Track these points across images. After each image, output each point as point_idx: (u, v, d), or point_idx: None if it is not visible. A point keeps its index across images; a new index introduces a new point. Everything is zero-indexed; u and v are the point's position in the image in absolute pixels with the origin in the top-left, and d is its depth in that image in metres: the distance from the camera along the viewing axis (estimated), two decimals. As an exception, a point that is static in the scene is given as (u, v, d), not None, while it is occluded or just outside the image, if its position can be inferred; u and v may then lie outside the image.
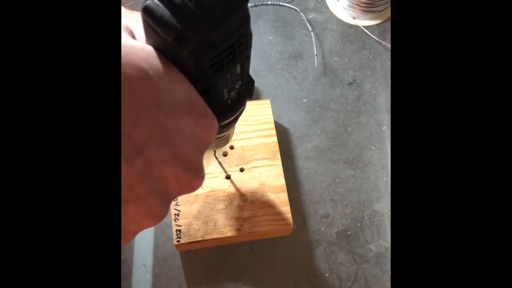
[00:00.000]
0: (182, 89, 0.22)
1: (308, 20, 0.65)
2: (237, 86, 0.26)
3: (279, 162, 0.50)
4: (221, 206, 0.48)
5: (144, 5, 0.21)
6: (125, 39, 0.21)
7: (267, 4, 0.67)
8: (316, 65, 0.62)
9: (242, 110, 0.30)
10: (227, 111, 0.28)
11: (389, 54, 0.63)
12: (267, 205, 0.48)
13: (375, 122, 0.58)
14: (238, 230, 0.47)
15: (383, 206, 0.53)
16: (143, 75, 0.20)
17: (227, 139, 0.37)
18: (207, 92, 0.24)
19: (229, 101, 0.27)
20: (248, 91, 0.29)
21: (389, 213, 0.53)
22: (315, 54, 0.62)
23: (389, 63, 0.62)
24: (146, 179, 0.21)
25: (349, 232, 0.52)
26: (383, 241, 0.51)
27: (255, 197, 0.48)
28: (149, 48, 0.22)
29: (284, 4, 0.67)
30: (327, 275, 0.49)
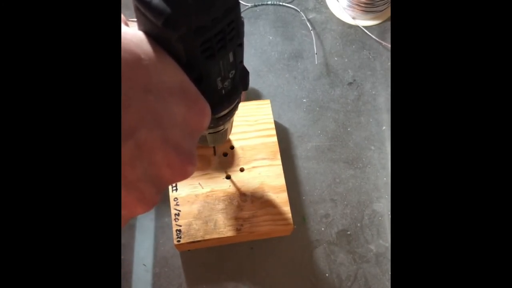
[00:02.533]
0: (173, 75, 0.22)
1: (308, 20, 0.65)
2: (230, 75, 0.26)
3: (279, 162, 0.50)
4: (221, 206, 0.48)
5: None
6: None
7: (267, 4, 0.67)
8: (316, 64, 0.62)
9: (238, 102, 0.30)
10: (221, 101, 0.27)
11: (389, 54, 0.63)
12: (267, 205, 0.48)
13: (375, 122, 0.58)
14: (238, 230, 0.47)
15: (383, 206, 0.53)
16: (134, 59, 0.20)
17: (225, 135, 0.37)
18: (200, 80, 0.24)
19: (223, 91, 0.27)
20: (242, 82, 0.28)
21: (389, 213, 0.53)
22: (315, 52, 0.62)
23: (389, 63, 0.63)
24: (137, 163, 0.20)
25: (349, 232, 0.52)
26: (383, 241, 0.51)
27: (255, 197, 0.48)
28: (140, 34, 0.22)
29: (284, 4, 0.67)
30: (327, 275, 0.49)
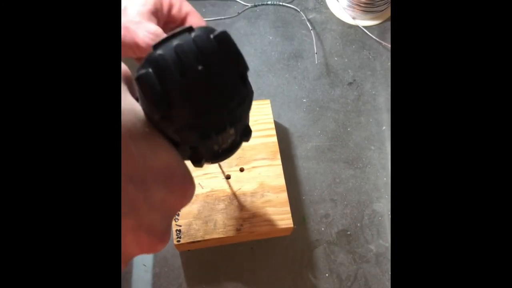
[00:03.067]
0: (161, 156, 0.21)
1: (308, 20, 0.65)
2: (229, 141, 0.26)
3: (279, 162, 0.50)
4: (221, 206, 0.48)
5: (137, 74, 0.20)
6: None
7: (267, 4, 0.67)
8: (316, 64, 0.62)
9: (235, 151, 0.29)
10: (216, 157, 0.27)
11: (389, 54, 0.63)
12: (267, 205, 0.48)
13: (375, 122, 0.58)
14: (238, 230, 0.47)
15: (383, 206, 0.53)
16: (122, 145, 0.19)
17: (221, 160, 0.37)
18: (196, 149, 0.23)
19: (219, 151, 0.26)
20: (243, 139, 0.28)
21: (389, 213, 0.53)
22: (315, 52, 0.62)
23: (389, 63, 0.63)
24: None
25: (349, 232, 0.52)
26: (383, 241, 0.51)
27: (255, 197, 0.48)
28: (136, 110, 0.21)
29: (284, 4, 0.67)
30: (327, 275, 0.49)
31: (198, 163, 0.25)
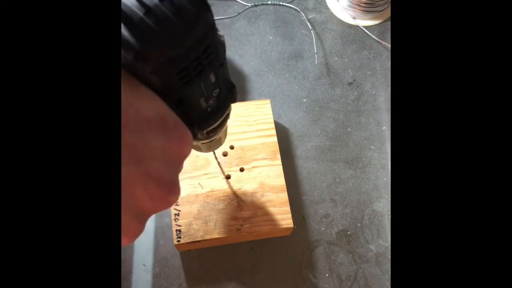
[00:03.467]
0: (149, 105, 0.21)
1: (308, 20, 0.65)
2: (214, 94, 0.26)
3: (279, 162, 0.50)
4: (221, 206, 0.48)
5: None
6: None
7: (267, 4, 0.67)
8: (316, 64, 0.62)
9: (227, 115, 0.29)
10: (207, 118, 0.27)
11: (389, 54, 0.63)
12: (267, 205, 0.48)
13: (375, 122, 0.58)
14: (238, 230, 0.47)
15: (383, 206, 0.53)
16: None
17: (218, 143, 0.37)
18: (181, 104, 0.24)
19: (208, 109, 0.26)
20: (229, 97, 0.28)
21: (389, 213, 0.53)
22: (315, 52, 0.62)
23: (389, 63, 0.62)
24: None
25: (349, 232, 0.52)
26: (383, 241, 0.51)
27: (255, 197, 0.48)
28: None
29: (284, 4, 0.67)
30: (327, 275, 0.49)
31: (190, 129, 0.25)
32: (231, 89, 0.28)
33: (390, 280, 0.49)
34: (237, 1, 0.66)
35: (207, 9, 0.22)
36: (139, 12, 0.20)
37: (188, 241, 0.46)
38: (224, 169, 0.50)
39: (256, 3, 0.66)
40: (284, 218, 0.48)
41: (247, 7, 0.66)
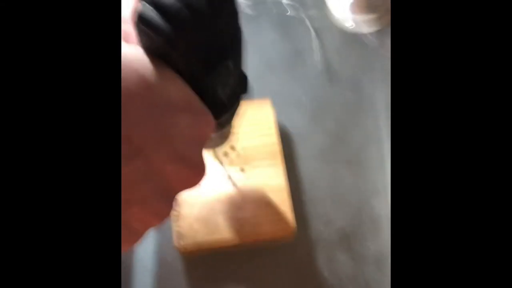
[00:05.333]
0: (176, 89, 0.22)
1: (308, 20, 0.65)
2: (230, 82, 0.27)
3: (279, 162, 0.50)
4: (221, 206, 0.48)
5: (136, 9, 0.21)
6: None
7: (267, 4, 0.66)
8: (316, 64, 0.62)
9: (238, 106, 0.30)
10: (222, 107, 0.28)
11: (389, 54, 0.63)
12: (267, 206, 0.48)
13: (374, 122, 0.58)
14: (238, 231, 0.47)
15: (383, 206, 0.53)
16: (136, 76, 0.20)
17: (225, 138, 0.37)
18: (202, 91, 0.24)
19: (223, 98, 0.27)
20: (241, 87, 0.29)
21: (389, 213, 0.53)
22: (315, 51, 0.62)
23: (389, 63, 0.62)
24: (148, 178, 0.21)
25: (348, 232, 0.52)
26: (382, 241, 0.51)
27: (255, 198, 0.48)
28: (141, 51, 0.22)
29: (284, 3, 0.67)
30: (326, 275, 0.49)
31: None
32: (244, 79, 0.29)
33: (390, 281, 0.49)
34: (237, 1, 0.66)
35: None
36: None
37: (189, 242, 0.46)
38: (225, 169, 0.50)
39: (256, 3, 0.66)
40: (284, 218, 0.48)
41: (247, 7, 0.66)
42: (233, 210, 0.48)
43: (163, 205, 0.23)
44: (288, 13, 0.66)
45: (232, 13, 0.23)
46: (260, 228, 0.47)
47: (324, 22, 0.66)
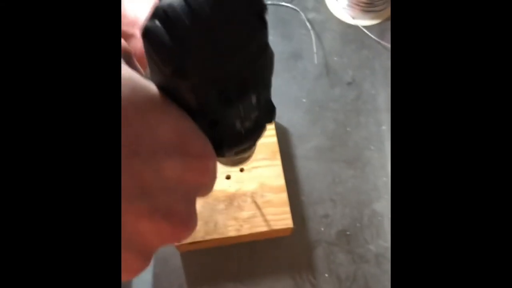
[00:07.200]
0: (171, 127, 0.19)
1: (307, 20, 0.65)
2: (252, 117, 0.23)
3: (279, 162, 0.50)
4: (221, 206, 0.48)
5: (143, 26, 0.18)
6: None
7: (266, 4, 0.66)
8: (315, 64, 0.62)
9: (260, 136, 0.26)
10: (239, 140, 0.24)
11: (388, 53, 0.63)
12: (267, 206, 0.48)
13: (374, 122, 0.58)
14: (238, 230, 0.47)
15: (383, 206, 0.53)
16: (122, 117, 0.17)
17: (241, 162, 0.33)
18: (215, 124, 0.21)
19: (242, 131, 0.23)
20: (267, 118, 0.25)
21: (389, 213, 0.53)
22: (315, 52, 0.62)
23: (389, 63, 0.62)
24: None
25: (348, 232, 0.52)
26: (382, 241, 0.51)
27: (255, 197, 0.48)
28: (135, 77, 0.18)
29: (283, 4, 0.67)
30: (326, 275, 0.49)
31: (219, 148, 0.22)
32: (271, 111, 0.25)
33: (390, 280, 0.49)
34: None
35: (264, 26, 0.19)
36: (186, 18, 0.17)
37: (189, 241, 0.46)
38: (224, 169, 0.50)
39: (255, 3, 0.66)
40: (283, 218, 0.48)
41: (246, 7, 0.66)
42: (232, 210, 0.48)
43: (134, 262, 0.20)
44: (288, 13, 0.66)
45: (261, 45, 0.19)
46: (259, 228, 0.47)
47: (324, 22, 0.66)
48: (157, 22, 0.17)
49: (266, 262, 0.49)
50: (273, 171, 0.50)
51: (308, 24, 0.65)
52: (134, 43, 0.38)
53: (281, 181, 0.49)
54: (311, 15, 0.66)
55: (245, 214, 0.47)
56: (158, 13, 0.18)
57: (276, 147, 0.51)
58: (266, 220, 0.47)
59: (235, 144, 0.24)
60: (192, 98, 0.19)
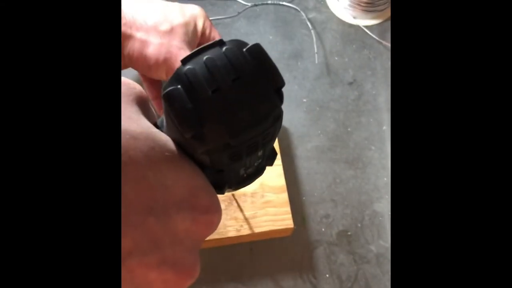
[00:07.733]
0: (184, 182, 0.20)
1: (308, 19, 0.65)
2: (255, 164, 0.24)
3: (279, 162, 0.50)
4: (221, 206, 0.48)
5: (165, 91, 0.18)
6: (128, 123, 0.19)
7: (267, 4, 0.66)
8: (316, 64, 0.62)
9: (260, 175, 0.28)
10: (241, 183, 0.26)
11: (389, 53, 0.63)
12: (267, 206, 0.48)
13: (375, 122, 0.58)
14: (238, 230, 0.46)
15: (383, 206, 0.53)
16: (139, 175, 0.18)
17: (240, 188, 0.35)
18: (221, 171, 0.22)
19: (245, 175, 0.25)
20: (268, 163, 0.26)
21: (389, 213, 0.52)
22: (316, 52, 0.62)
23: (389, 63, 0.62)
24: (127, 285, 0.19)
25: (349, 233, 0.51)
26: (383, 242, 0.51)
27: (255, 198, 0.48)
28: (153, 137, 0.19)
29: (284, 3, 0.66)
30: (327, 275, 0.49)
31: (220, 190, 0.24)
32: (273, 157, 0.26)
33: (390, 281, 0.49)
34: (237, 1, 0.66)
35: (280, 100, 0.20)
36: (208, 87, 0.18)
37: (188, 241, 0.46)
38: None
39: (256, 3, 0.66)
40: (284, 218, 0.47)
41: (247, 6, 0.66)
42: (232, 210, 0.48)
43: None
44: (288, 13, 0.66)
45: (276, 118, 0.20)
46: (260, 229, 0.47)
47: (324, 22, 0.66)
48: (178, 86, 0.18)
49: (267, 262, 0.49)
50: (273, 171, 0.50)
51: (309, 24, 0.64)
52: (132, 44, 0.38)
53: (281, 181, 0.49)
54: (312, 15, 0.66)
55: (245, 214, 0.47)
56: (180, 78, 0.18)
57: (276, 147, 0.51)
58: (266, 220, 0.47)
59: (236, 185, 0.26)
60: (206, 159, 0.20)
